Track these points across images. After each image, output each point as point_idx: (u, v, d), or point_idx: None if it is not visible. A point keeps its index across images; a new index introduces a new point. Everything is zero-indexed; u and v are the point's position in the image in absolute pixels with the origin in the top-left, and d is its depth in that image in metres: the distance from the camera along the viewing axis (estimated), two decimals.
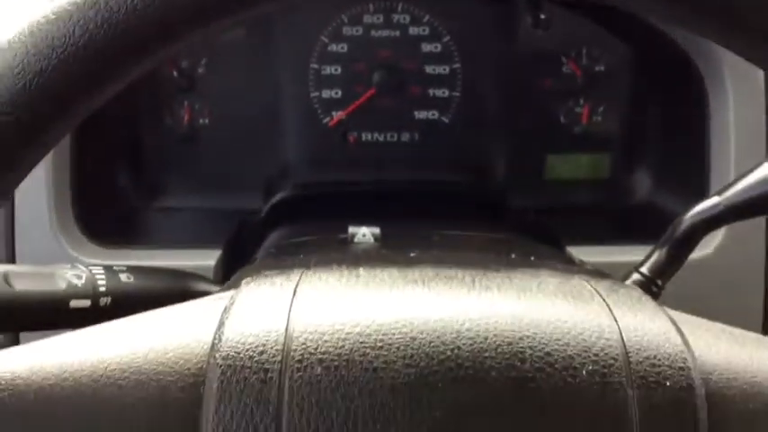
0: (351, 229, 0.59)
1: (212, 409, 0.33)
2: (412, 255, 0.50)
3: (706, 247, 0.69)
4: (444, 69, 0.86)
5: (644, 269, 0.55)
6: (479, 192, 0.85)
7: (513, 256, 0.54)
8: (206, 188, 0.87)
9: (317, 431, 0.33)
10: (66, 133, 0.35)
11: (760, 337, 0.39)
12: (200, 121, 0.87)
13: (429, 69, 0.86)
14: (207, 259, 0.71)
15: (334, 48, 0.85)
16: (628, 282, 0.56)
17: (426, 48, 0.85)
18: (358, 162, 0.88)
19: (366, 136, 0.88)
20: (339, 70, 0.86)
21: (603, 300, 0.38)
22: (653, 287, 0.55)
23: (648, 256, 0.56)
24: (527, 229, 0.74)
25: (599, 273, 0.48)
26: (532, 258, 0.54)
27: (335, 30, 0.85)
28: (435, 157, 0.88)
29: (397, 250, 0.55)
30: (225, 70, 0.86)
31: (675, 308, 0.62)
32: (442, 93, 0.86)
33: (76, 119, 0.34)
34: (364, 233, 0.58)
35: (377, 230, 0.59)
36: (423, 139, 0.88)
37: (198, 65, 0.85)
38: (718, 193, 0.54)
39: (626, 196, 0.86)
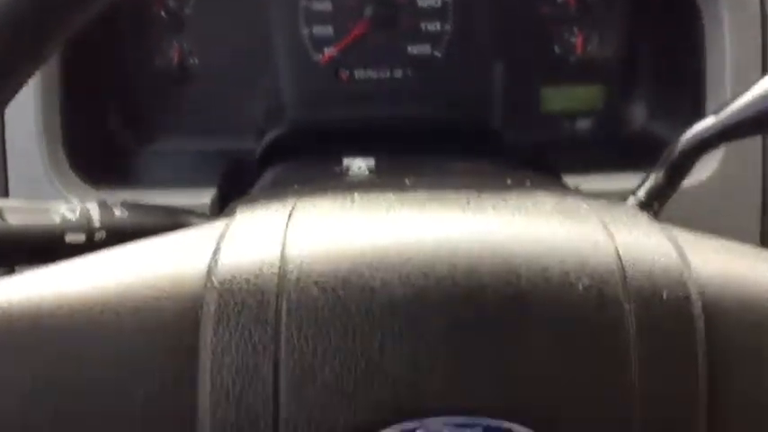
0: (345, 161, 0.59)
1: (210, 332, 0.33)
2: (407, 181, 0.50)
3: (703, 172, 0.69)
4: (436, 2, 0.85)
5: (640, 193, 0.55)
6: (474, 126, 0.85)
7: (509, 181, 0.54)
8: (198, 129, 0.86)
9: (315, 349, 0.33)
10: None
11: (758, 249, 0.39)
12: (191, 61, 0.85)
13: (421, 2, 0.85)
14: (201, 198, 0.71)
15: None
16: (629, 200, 0.56)
17: None
18: (351, 99, 0.87)
19: (359, 73, 0.87)
20: (330, 6, 0.84)
21: (599, 217, 0.38)
22: (649, 211, 0.55)
23: (644, 181, 0.56)
24: (523, 161, 0.73)
25: (595, 196, 0.48)
26: (528, 183, 0.53)
27: None
28: (429, 92, 0.87)
29: (392, 178, 0.55)
30: (213, 9, 0.85)
31: None
32: (434, 26, 0.85)
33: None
34: (359, 165, 0.57)
35: (372, 162, 0.59)
36: (416, 75, 0.87)
37: (186, 4, 0.84)
38: (715, 112, 0.53)
39: (621, 126, 0.85)
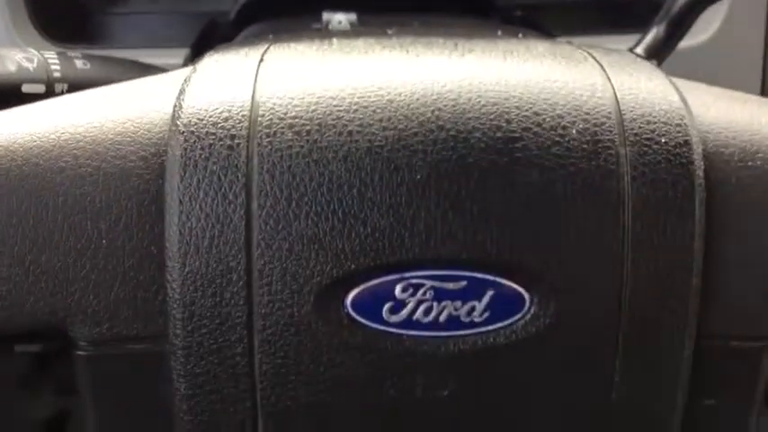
0: (325, 16, 0.55)
1: (177, 179, 0.31)
2: (389, 32, 0.46)
3: (704, 33, 0.66)
4: None
5: (638, 49, 0.52)
6: None
7: (500, 33, 0.51)
8: None
9: (289, 198, 0.31)
10: None
11: (761, 98, 0.36)
12: None
13: None
14: (174, 59, 0.67)
15: None
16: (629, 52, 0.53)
17: None
18: None
19: None
20: None
21: (596, 61, 0.35)
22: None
23: (643, 36, 0.53)
24: (514, 21, 0.69)
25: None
26: (520, 35, 0.50)
27: None
28: None
29: (374, 29, 0.52)
30: None
31: None
32: None
33: None
34: (340, 20, 0.53)
35: (353, 16, 0.55)
36: None
37: None
38: None
39: None
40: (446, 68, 0.34)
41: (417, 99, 0.32)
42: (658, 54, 0.52)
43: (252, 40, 0.44)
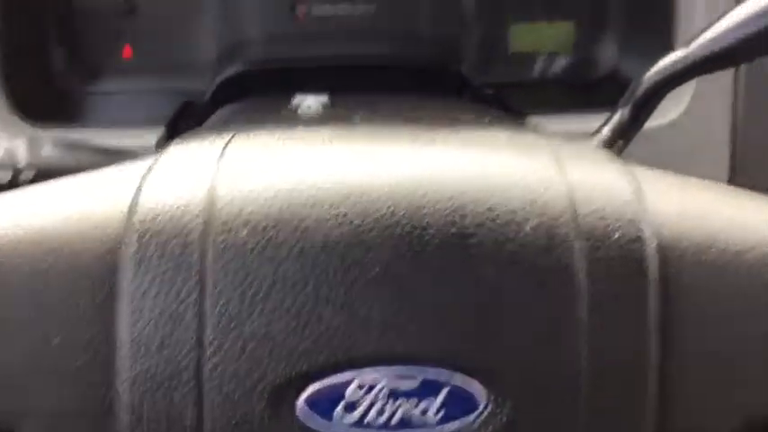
0: (297, 98, 0.56)
1: (129, 276, 0.31)
2: (357, 118, 0.47)
3: (671, 112, 0.67)
4: None
5: (604, 131, 0.53)
6: (437, 66, 0.81)
7: (468, 117, 0.52)
8: (148, 68, 0.82)
9: (243, 296, 0.30)
10: None
11: (721, 186, 0.37)
12: None
13: None
14: (149, 140, 0.68)
15: None
16: (593, 138, 0.53)
17: None
18: (310, 37, 0.83)
19: (317, 10, 0.83)
20: None
21: (554, 152, 0.35)
22: (612, 150, 0.53)
23: (609, 118, 0.53)
24: (487, 101, 0.70)
25: (554, 133, 0.45)
26: (487, 120, 0.51)
27: None
28: (392, 29, 0.83)
29: (342, 114, 0.52)
30: None
31: None
32: None
33: None
34: (309, 104, 0.54)
35: (325, 98, 0.56)
36: (379, 11, 0.83)
37: None
38: (684, 45, 0.50)
39: (591, 66, 0.82)
40: (405, 161, 0.34)
41: (374, 194, 0.32)
42: (624, 136, 0.52)
43: (219, 127, 0.44)
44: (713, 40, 0.49)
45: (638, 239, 0.31)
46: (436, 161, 0.34)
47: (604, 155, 0.36)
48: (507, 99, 0.79)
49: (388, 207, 0.31)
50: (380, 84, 0.76)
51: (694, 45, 0.50)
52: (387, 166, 0.33)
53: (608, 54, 0.82)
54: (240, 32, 0.82)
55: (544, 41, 0.84)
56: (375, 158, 0.34)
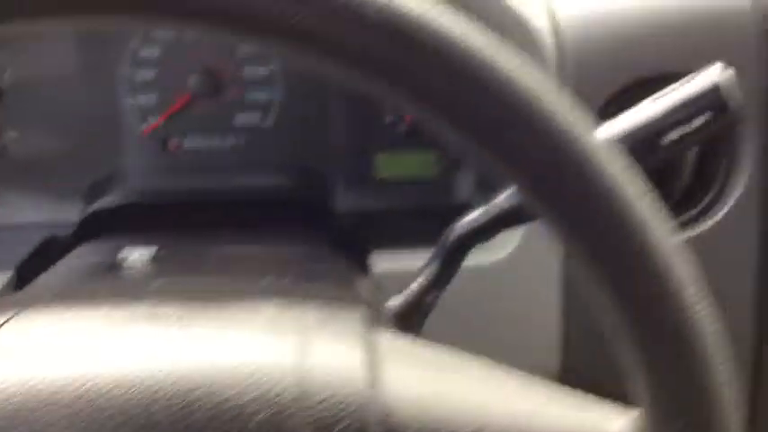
0: (123, 252, 0.57)
1: None
2: (155, 283, 0.48)
3: (503, 249, 0.69)
4: (264, 71, 0.84)
5: (421, 278, 0.55)
6: (302, 196, 0.84)
7: (287, 279, 0.53)
8: (20, 204, 0.83)
9: None
10: None
11: (473, 363, 0.38)
12: (10, 134, 0.83)
13: (248, 72, 0.84)
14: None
15: (146, 52, 0.82)
16: (405, 292, 0.55)
17: (244, 49, 0.83)
18: (182, 170, 0.85)
19: (189, 143, 0.85)
20: (153, 75, 0.83)
21: (308, 336, 0.37)
22: (428, 297, 0.55)
23: (426, 265, 0.56)
24: (338, 236, 0.73)
25: (347, 298, 0.47)
26: (304, 283, 0.53)
27: (146, 33, 0.82)
28: (261, 161, 0.86)
29: (151, 278, 0.54)
30: (34, 79, 0.82)
31: (468, 314, 0.62)
32: (261, 96, 0.84)
33: None
34: (135, 257, 0.56)
35: (153, 250, 0.57)
36: (248, 144, 0.86)
37: (2, 74, 0.81)
38: (486, 204, 0.53)
39: (448, 197, 0.86)
40: (149, 352, 0.35)
41: (108, 392, 0.33)
42: (437, 284, 0.55)
43: (24, 296, 0.45)
44: (512, 194, 0.52)
45: (363, 428, 0.33)
46: (180, 352, 0.35)
47: (358, 335, 0.38)
48: (372, 227, 0.81)
49: (121, 405, 0.32)
50: (243, 216, 0.78)
51: (497, 200, 0.53)
52: (126, 361, 0.34)
53: (465, 186, 0.86)
54: (113, 167, 0.84)
55: (409, 169, 0.88)
56: (118, 351, 0.35)
